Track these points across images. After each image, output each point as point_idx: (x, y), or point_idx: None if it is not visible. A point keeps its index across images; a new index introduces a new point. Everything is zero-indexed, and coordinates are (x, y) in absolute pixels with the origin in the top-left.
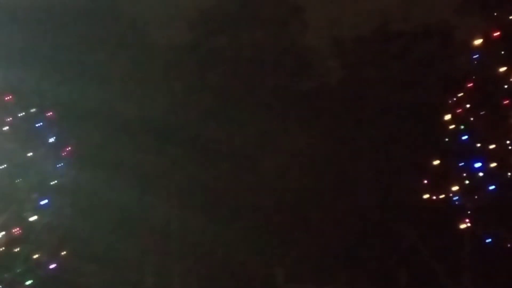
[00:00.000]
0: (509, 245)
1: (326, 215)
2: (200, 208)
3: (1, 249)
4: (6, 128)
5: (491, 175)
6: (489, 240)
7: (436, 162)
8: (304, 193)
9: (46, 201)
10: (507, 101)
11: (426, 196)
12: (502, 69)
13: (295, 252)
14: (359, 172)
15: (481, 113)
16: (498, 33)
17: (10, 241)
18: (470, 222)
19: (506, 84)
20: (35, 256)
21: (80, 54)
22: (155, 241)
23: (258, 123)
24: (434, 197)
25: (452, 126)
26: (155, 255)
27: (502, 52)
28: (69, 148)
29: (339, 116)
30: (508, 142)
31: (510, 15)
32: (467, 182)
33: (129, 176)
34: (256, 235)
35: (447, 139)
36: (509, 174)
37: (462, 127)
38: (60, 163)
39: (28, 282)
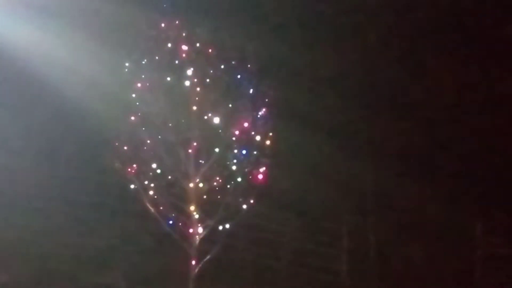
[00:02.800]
0: None
1: None
2: (393, 163)
3: (204, 197)
4: (208, 80)
5: None
6: None
7: None
8: None
9: (244, 151)
10: None
11: None
12: None
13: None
14: None
15: None
16: None
17: (212, 190)
18: None
19: None
20: (234, 203)
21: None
22: (350, 197)
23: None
24: None
25: None
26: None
27: None
28: (267, 100)
29: None
30: None
31: None
32: None
33: (319, 130)
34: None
35: None
36: None
37: None
38: (258, 115)
39: (227, 226)
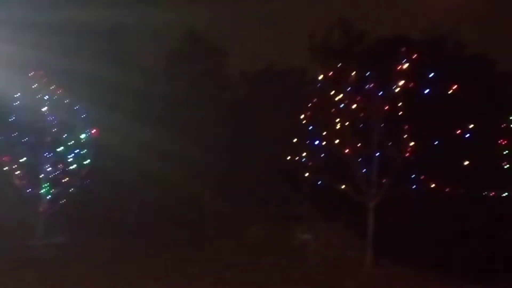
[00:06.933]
0: None
1: None
2: None
3: (50, 177)
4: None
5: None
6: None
7: None
8: None
9: (78, 150)
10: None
11: None
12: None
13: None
14: None
15: None
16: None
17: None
18: None
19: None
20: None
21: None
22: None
23: None
24: None
25: None
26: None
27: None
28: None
29: None
30: None
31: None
32: None
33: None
34: None
35: None
36: None
37: None
38: (88, 130)
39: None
